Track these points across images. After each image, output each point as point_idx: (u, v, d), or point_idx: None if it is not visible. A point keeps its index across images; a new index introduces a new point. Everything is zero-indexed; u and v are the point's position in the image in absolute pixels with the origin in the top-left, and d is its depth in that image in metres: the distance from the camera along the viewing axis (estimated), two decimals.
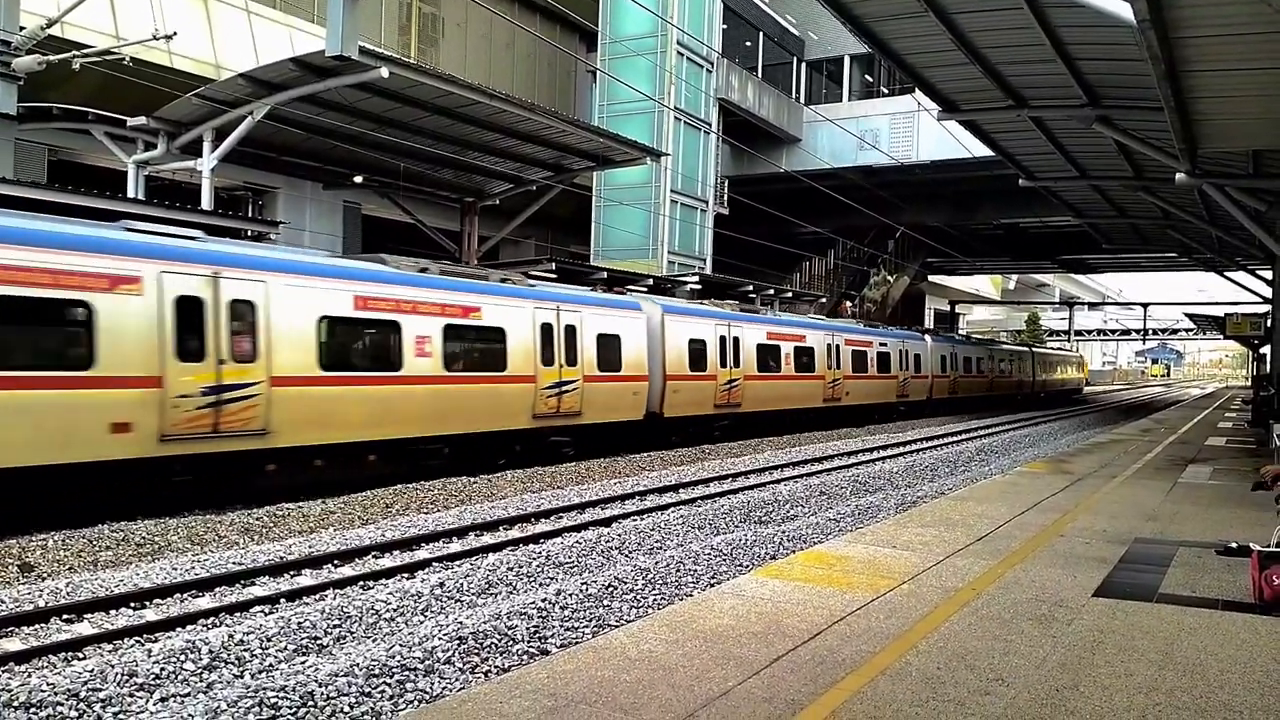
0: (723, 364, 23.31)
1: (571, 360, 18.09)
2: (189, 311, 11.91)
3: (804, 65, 42.40)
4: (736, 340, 23.91)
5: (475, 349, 16.29)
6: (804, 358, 27.32)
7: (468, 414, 15.93)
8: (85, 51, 18.64)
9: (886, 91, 41.04)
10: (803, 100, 41.49)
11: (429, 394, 15.12)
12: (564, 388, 17.89)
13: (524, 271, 19.99)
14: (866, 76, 42.60)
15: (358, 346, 14.44)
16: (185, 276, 11.92)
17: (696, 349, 22.43)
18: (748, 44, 39.97)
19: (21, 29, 18.04)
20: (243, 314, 12.52)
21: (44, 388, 10.60)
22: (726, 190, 38.20)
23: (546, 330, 17.56)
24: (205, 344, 12.06)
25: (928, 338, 38.37)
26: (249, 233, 15.72)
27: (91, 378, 10.98)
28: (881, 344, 32.76)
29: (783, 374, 26.19)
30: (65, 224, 11.43)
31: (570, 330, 18.15)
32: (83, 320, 10.96)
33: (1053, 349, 66.51)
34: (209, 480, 12.46)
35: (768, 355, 25.41)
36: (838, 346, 29.33)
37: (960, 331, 64.04)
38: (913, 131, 38.06)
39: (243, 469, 12.77)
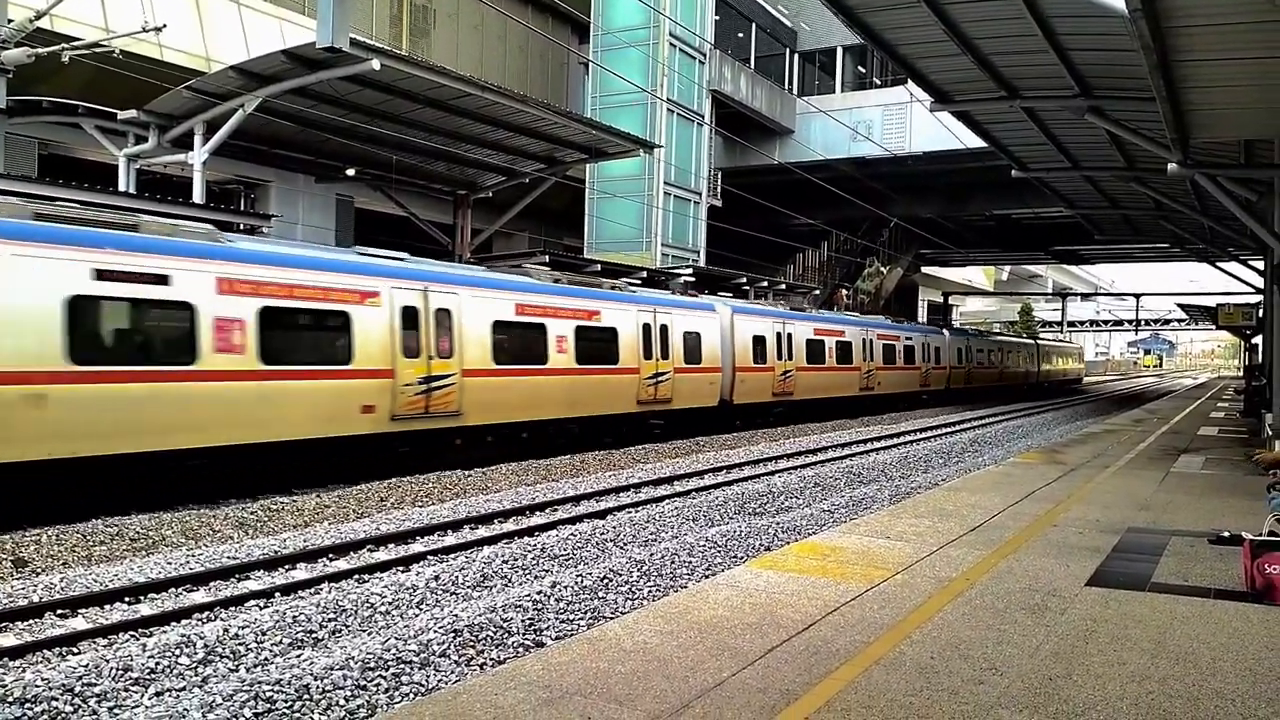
0: (779, 357, 26.26)
1: (665, 355, 21.13)
2: (409, 318, 14.95)
3: (796, 56, 42.33)
4: (790, 336, 26.88)
5: (597, 346, 19.11)
6: (843, 351, 30.32)
7: (592, 400, 18.96)
8: (75, 44, 18.54)
9: (879, 83, 40.99)
10: (795, 92, 41.43)
11: (566, 383, 18.20)
12: (659, 378, 20.91)
13: (630, 279, 22.25)
14: (859, 68, 42.54)
15: (517, 345, 17.21)
16: (407, 291, 15.00)
17: (758, 344, 25.25)
18: (740, 35, 39.90)
19: (10, 22, 17.92)
20: (443, 320, 15.53)
21: (322, 378, 13.72)
22: (719, 182, 38.16)
23: (646, 330, 20.47)
24: (420, 344, 15.05)
25: (946, 332, 42.40)
26: (241, 226, 15.66)
27: (350, 370, 14.09)
28: (908, 338, 36.08)
29: (827, 366, 29.23)
30: (322, 250, 15.00)
31: (664, 329, 21.11)
32: (344, 326, 14.03)
33: (1056, 342, 70.06)
34: (421, 452, 15.53)
35: (814, 349, 28.38)
36: (871, 341, 32.38)
37: (955, 322, 65.14)
38: (905, 123, 38.04)
39: (441, 444, 15.87)
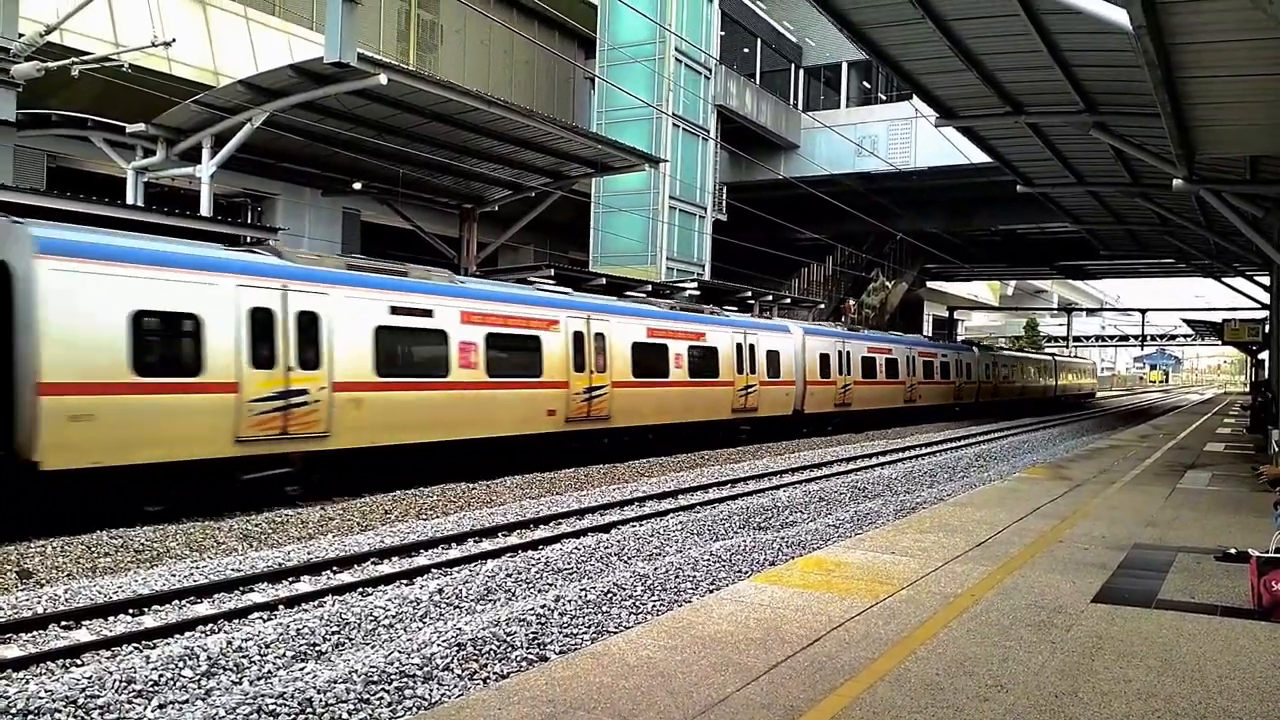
0: (840, 372, 29.86)
1: (753, 370, 24.71)
2: (578, 341, 18.73)
3: (802, 72, 42.47)
4: (848, 354, 30.51)
5: (703, 362, 22.79)
6: (891, 367, 33.89)
7: (701, 408, 22.80)
8: (84, 58, 18.65)
9: (884, 98, 41.10)
10: (801, 107, 41.55)
11: (683, 393, 22.06)
12: (749, 390, 24.47)
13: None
14: (864, 83, 42.67)
15: (648, 362, 20.79)
16: (576, 319, 18.82)
17: (824, 361, 28.80)
18: (745, 50, 40.05)
19: (20, 36, 18.06)
20: (599, 342, 19.31)
21: (523, 389, 17.31)
22: (725, 196, 38.23)
23: (739, 348, 24.12)
24: (585, 360, 18.79)
25: (975, 349, 47.00)
26: (248, 239, 15.71)
27: (541, 382, 17.69)
28: (943, 356, 40.12)
29: (878, 380, 32.83)
30: (519, 288, 18.61)
31: (752, 348, 24.74)
32: (537, 347, 17.62)
33: (1071, 358, 73.80)
34: (584, 448, 19.16)
35: (868, 365, 31.95)
36: (913, 358, 36.10)
37: (959, 337, 65.87)
38: (910, 138, 38.10)
39: (594, 442, 19.45)
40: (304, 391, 13.14)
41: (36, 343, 10.62)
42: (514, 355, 17.10)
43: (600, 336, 19.28)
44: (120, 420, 11.21)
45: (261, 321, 12.66)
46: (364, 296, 14.27)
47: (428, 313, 15.21)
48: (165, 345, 11.85)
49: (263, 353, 12.66)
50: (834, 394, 29.51)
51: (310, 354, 13.31)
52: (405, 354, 15.00)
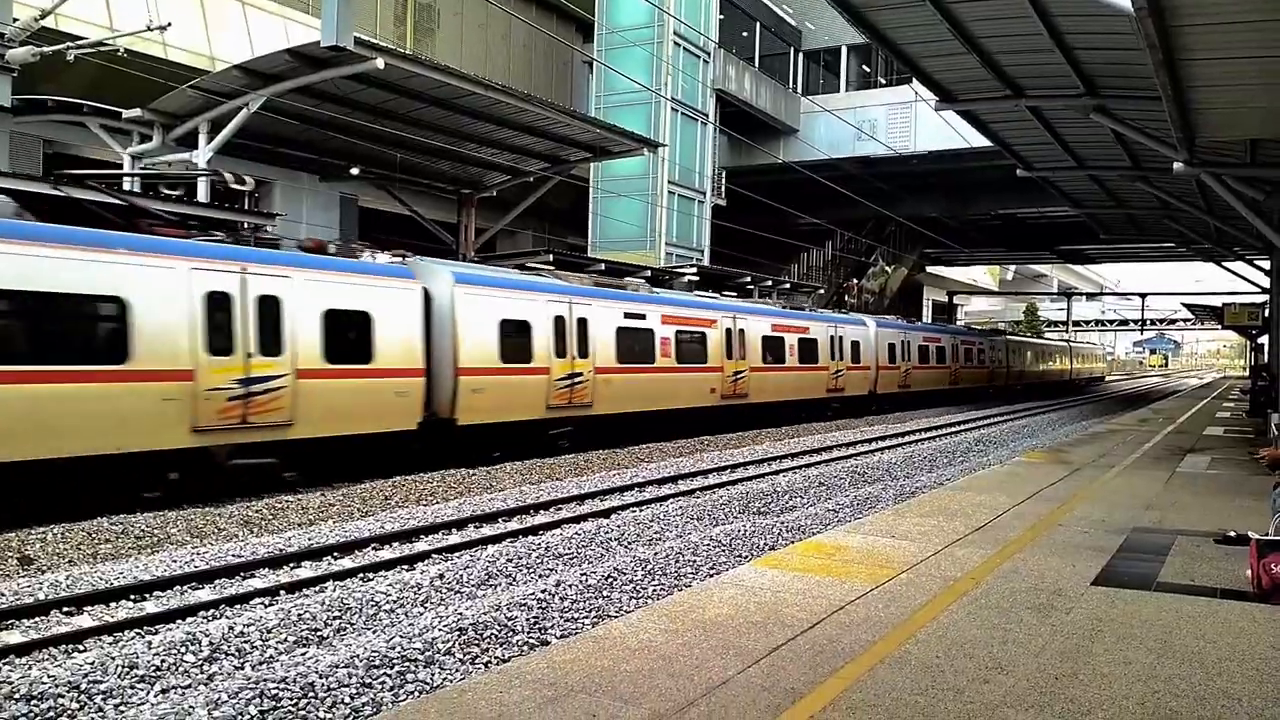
0: (903, 359, 35.25)
1: (841, 357, 30.03)
2: (729, 335, 23.77)
3: (801, 55, 42.27)
4: (908, 343, 35.90)
5: (807, 351, 27.90)
6: (940, 354, 39.23)
7: (806, 388, 28.09)
8: (79, 43, 18.55)
9: (884, 82, 40.91)
10: (800, 91, 41.37)
11: (795, 376, 27.27)
12: (839, 374, 29.98)
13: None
14: (864, 67, 42.47)
15: (772, 352, 25.89)
16: (728, 318, 23.93)
17: (891, 349, 34.07)
18: (744, 34, 39.84)
19: (15, 20, 17.95)
20: (741, 336, 24.28)
21: (697, 372, 22.66)
22: (724, 181, 38.11)
23: (831, 340, 29.45)
24: (734, 351, 23.93)
25: (1005, 337, 52.73)
26: (245, 225, 15.66)
27: (708, 367, 23.02)
28: (980, 343, 45.78)
29: (930, 365, 38.11)
30: (686, 294, 24.02)
31: (840, 339, 30.09)
32: (704, 340, 22.85)
33: (1086, 344, 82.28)
34: (736, 421, 24.46)
35: (924, 353, 37.45)
36: (956, 345, 41.30)
37: (959, 322, 66.50)
38: (910, 122, 37.94)
39: (739, 415, 24.58)
40: (579, 374, 18.62)
41: (456, 341, 15.83)
42: (690, 346, 22.39)
43: (742, 333, 24.33)
44: (496, 392, 16.64)
45: (560, 323, 18.24)
46: (610, 307, 19.74)
47: (642, 315, 20.72)
48: (516, 342, 17.12)
49: (561, 347, 18.20)
50: (898, 377, 35.00)
51: (583, 349, 18.76)
52: (630, 348, 20.24)
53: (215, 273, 12.41)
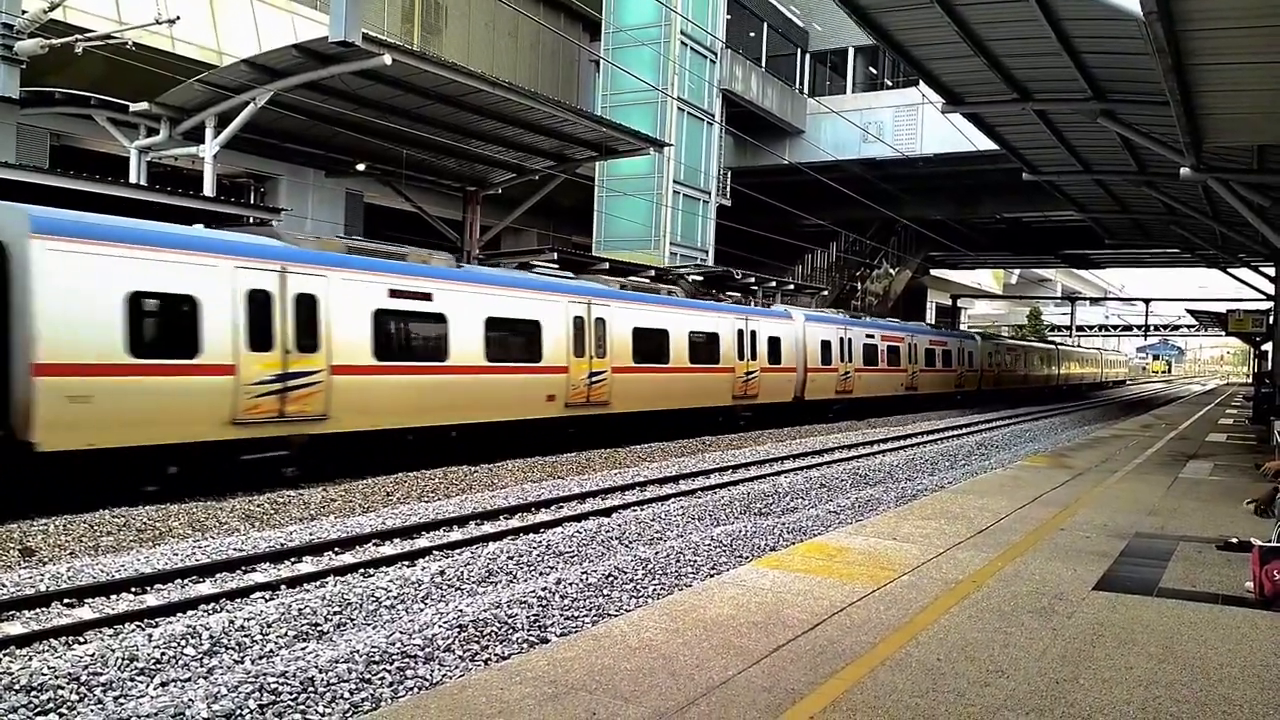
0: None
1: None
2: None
3: (808, 56, 42.23)
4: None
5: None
6: (1022, 362, 49.34)
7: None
8: (88, 36, 18.56)
9: (891, 84, 40.88)
10: (806, 92, 41.34)
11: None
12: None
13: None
14: (870, 69, 42.42)
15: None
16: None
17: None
18: (751, 35, 39.81)
19: (24, 13, 17.98)
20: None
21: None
22: (729, 181, 38.09)
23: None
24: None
25: (1054, 346, 63.12)
26: (251, 220, 15.68)
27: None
28: (1039, 351, 55.71)
29: (1015, 370, 46.83)
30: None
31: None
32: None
33: (1110, 351, 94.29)
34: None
35: (997, 360, 44.47)
36: (1029, 355, 51.26)
37: (962, 325, 66.99)
38: (916, 124, 37.92)
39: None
40: (914, 373, 27.76)
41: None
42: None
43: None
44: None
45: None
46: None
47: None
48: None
49: (826, 357, 27.62)
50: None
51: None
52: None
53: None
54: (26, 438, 10.45)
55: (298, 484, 13.29)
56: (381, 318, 14.31)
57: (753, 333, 25.15)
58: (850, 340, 30.93)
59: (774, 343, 26.21)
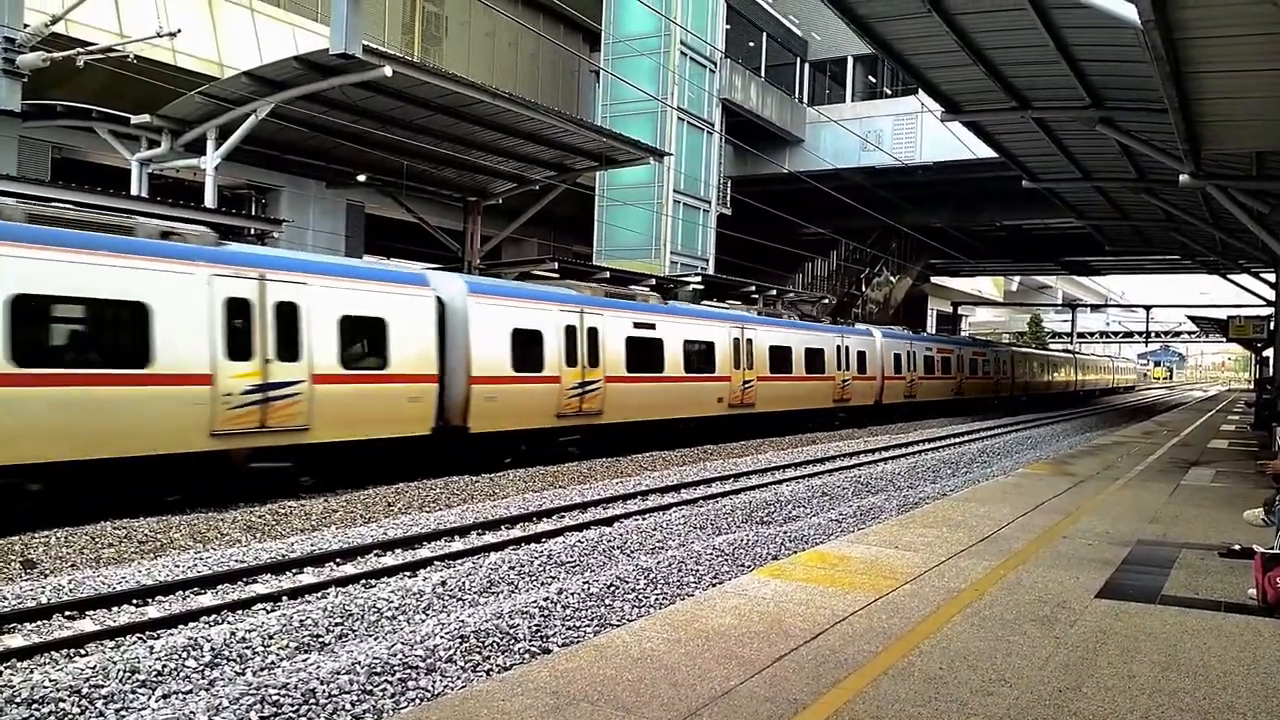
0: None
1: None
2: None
3: (807, 66, 42.36)
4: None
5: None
6: (1049, 369, 52.12)
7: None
8: (89, 49, 18.64)
9: (890, 92, 40.99)
10: (806, 101, 41.45)
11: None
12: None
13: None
14: (870, 77, 42.55)
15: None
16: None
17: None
18: (751, 44, 39.94)
19: (26, 26, 18.05)
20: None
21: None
22: (729, 190, 38.17)
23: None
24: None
25: (1074, 355, 67.43)
26: (252, 231, 15.72)
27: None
28: (1055, 358, 58.70)
29: (1040, 376, 49.25)
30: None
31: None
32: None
33: (1120, 359, 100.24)
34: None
35: (1025, 368, 47.11)
36: (1052, 362, 53.94)
37: (963, 333, 67.12)
38: (916, 132, 38.01)
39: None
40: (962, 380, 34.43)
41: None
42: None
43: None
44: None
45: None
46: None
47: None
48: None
49: (886, 366, 31.62)
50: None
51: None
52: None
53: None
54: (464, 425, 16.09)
55: (299, 494, 13.29)
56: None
57: (846, 348, 29.92)
58: (914, 353, 35.58)
59: (861, 356, 30.95)
